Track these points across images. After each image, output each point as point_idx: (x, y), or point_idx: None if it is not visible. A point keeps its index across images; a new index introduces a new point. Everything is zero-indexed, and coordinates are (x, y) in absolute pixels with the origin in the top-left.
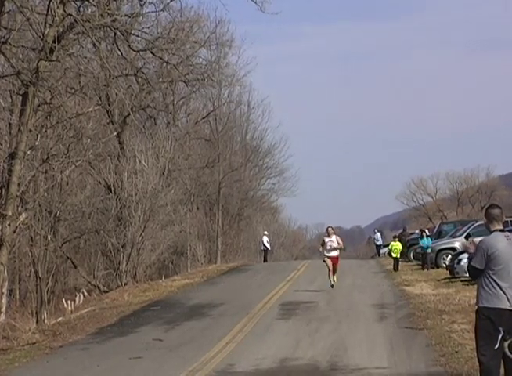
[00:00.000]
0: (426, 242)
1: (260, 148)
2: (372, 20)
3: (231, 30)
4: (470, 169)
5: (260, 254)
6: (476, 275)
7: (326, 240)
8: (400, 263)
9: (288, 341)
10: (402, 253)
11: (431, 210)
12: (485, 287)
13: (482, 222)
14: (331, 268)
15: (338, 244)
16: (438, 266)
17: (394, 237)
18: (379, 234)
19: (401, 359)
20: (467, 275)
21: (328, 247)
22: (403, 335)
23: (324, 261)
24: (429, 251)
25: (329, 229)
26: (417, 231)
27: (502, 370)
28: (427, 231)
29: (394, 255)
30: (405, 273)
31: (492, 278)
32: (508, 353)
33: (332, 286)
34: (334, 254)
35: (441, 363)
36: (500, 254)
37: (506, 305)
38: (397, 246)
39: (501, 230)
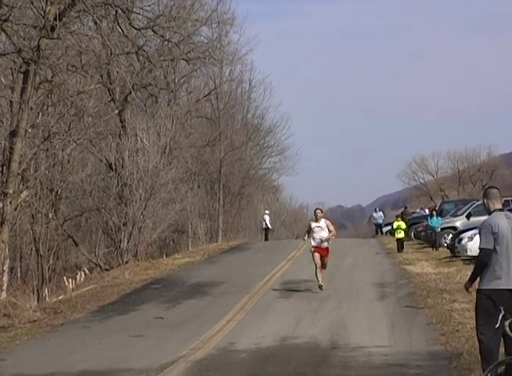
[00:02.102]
0: (435, 222)
1: (261, 127)
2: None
3: (232, 8)
4: (471, 148)
5: (261, 232)
6: (488, 258)
7: (313, 225)
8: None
9: (289, 320)
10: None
11: (432, 189)
12: (488, 268)
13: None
14: (319, 263)
15: (329, 231)
16: (439, 245)
17: (398, 217)
18: (380, 213)
19: (401, 337)
20: (469, 254)
21: (316, 236)
22: (404, 314)
23: (311, 253)
24: (439, 230)
25: (318, 211)
26: (418, 210)
27: (502, 350)
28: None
29: (398, 236)
30: (405, 252)
31: (494, 258)
32: (508, 332)
33: (320, 287)
34: (323, 244)
35: (441, 341)
36: (502, 233)
37: (506, 285)
38: (401, 225)
39: (500, 210)
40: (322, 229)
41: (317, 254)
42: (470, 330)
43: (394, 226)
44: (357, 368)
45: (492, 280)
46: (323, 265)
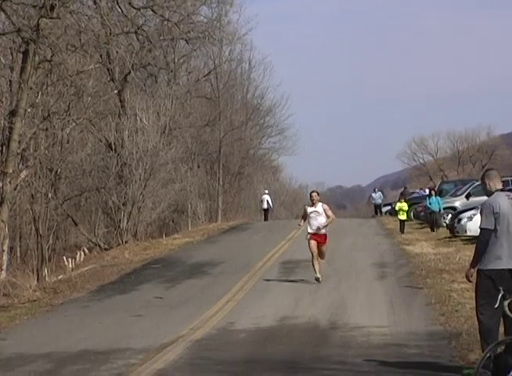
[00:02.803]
0: (435, 202)
1: (261, 107)
2: None
3: None
4: (471, 128)
5: (260, 212)
6: (488, 238)
7: (310, 210)
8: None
9: (288, 300)
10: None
11: (432, 169)
12: (488, 248)
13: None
14: (316, 251)
15: (327, 216)
16: (438, 226)
17: (401, 198)
18: (379, 193)
19: (401, 317)
20: (469, 234)
21: (312, 222)
22: (403, 294)
23: (307, 240)
24: (438, 211)
25: (314, 194)
26: (417, 190)
27: (501, 330)
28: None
29: (401, 217)
30: (405, 232)
31: (494, 238)
32: (508, 312)
33: (317, 279)
34: (321, 230)
35: (440, 321)
36: (503, 213)
37: (507, 265)
38: (403, 207)
39: (502, 190)
40: (319, 215)
41: (313, 242)
42: (469, 310)
43: (397, 208)
44: (356, 348)
45: (493, 260)
46: (321, 255)
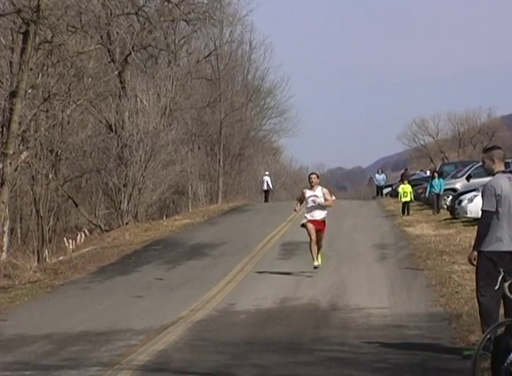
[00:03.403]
0: (438, 183)
1: (261, 88)
2: None
3: None
4: (471, 110)
5: (261, 194)
6: (490, 220)
7: (308, 194)
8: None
9: (288, 282)
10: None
11: (433, 151)
12: (489, 230)
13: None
14: (314, 238)
15: (325, 200)
16: (439, 209)
17: (403, 180)
18: (383, 175)
19: (401, 299)
20: (469, 216)
21: (310, 205)
22: (403, 276)
23: (303, 226)
24: (441, 193)
25: (313, 176)
26: (418, 171)
27: (502, 311)
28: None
29: (404, 199)
30: (408, 214)
31: (496, 220)
32: (508, 294)
33: (316, 267)
34: (320, 215)
35: (441, 303)
36: (504, 195)
37: (508, 247)
38: (407, 189)
39: (503, 172)
40: (317, 198)
41: (311, 225)
42: (469, 291)
43: (400, 190)
44: (356, 329)
45: (494, 241)
46: (318, 243)
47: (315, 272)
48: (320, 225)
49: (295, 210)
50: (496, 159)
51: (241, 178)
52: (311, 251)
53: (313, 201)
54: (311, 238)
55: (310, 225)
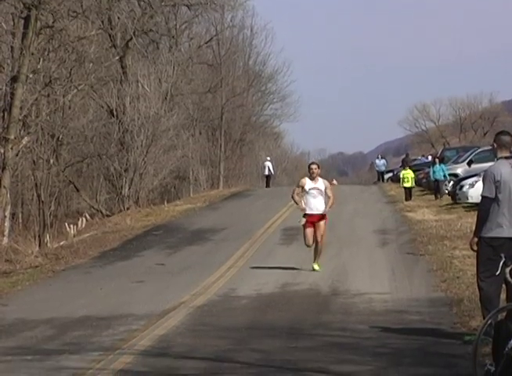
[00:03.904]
0: (439, 170)
1: (262, 73)
2: None
3: None
4: (473, 95)
5: (262, 179)
6: (489, 206)
7: (309, 186)
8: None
9: (290, 266)
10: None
11: (434, 136)
12: (489, 216)
13: (486, 148)
14: (310, 238)
15: (327, 196)
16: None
17: (404, 165)
18: (383, 161)
19: (402, 284)
20: (470, 201)
21: (311, 200)
22: (404, 261)
23: (302, 224)
24: (443, 179)
25: (314, 167)
26: (419, 157)
27: (503, 296)
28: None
29: (406, 185)
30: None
31: (496, 206)
32: (509, 279)
33: (314, 269)
34: (319, 209)
35: (442, 288)
36: (504, 181)
37: (508, 233)
38: (408, 174)
39: (506, 158)
40: (320, 193)
41: (310, 231)
42: (470, 276)
43: (401, 175)
44: (357, 314)
45: (494, 228)
46: (317, 240)
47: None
48: (319, 220)
49: (292, 198)
50: (499, 144)
51: (242, 164)
52: (307, 244)
53: (317, 207)
54: (305, 237)
55: (308, 231)
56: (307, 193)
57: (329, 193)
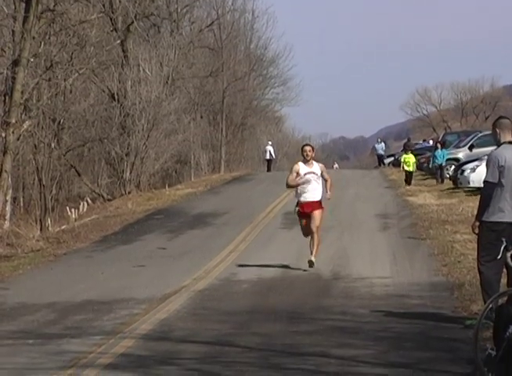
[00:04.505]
0: (440, 154)
1: (264, 57)
2: None
3: None
4: (474, 79)
5: (263, 163)
6: (491, 191)
7: (304, 170)
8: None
9: (290, 251)
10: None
11: (435, 120)
12: (491, 201)
13: (487, 133)
14: (305, 229)
15: (324, 180)
16: (442, 180)
17: (406, 150)
18: (382, 144)
19: (403, 268)
20: (472, 185)
21: (307, 186)
22: (406, 245)
23: (296, 213)
24: (444, 164)
25: (308, 149)
26: (421, 141)
27: (504, 281)
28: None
29: (407, 168)
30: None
31: (499, 191)
32: (510, 263)
33: (311, 264)
34: (314, 196)
35: (443, 272)
36: (508, 166)
37: (510, 218)
38: (409, 158)
39: (510, 142)
40: (316, 178)
41: (304, 221)
42: (471, 261)
43: (402, 159)
44: (359, 299)
45: (496, 212)
46: (313, 230)
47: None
48: (314, 208)
49: (288, 184)
50: (501, 129)
51: (243, 148)
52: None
53: (313, 193)
54: (302, 227)
55: (303, 221)
56: (302, 178)
57: (326, 176)
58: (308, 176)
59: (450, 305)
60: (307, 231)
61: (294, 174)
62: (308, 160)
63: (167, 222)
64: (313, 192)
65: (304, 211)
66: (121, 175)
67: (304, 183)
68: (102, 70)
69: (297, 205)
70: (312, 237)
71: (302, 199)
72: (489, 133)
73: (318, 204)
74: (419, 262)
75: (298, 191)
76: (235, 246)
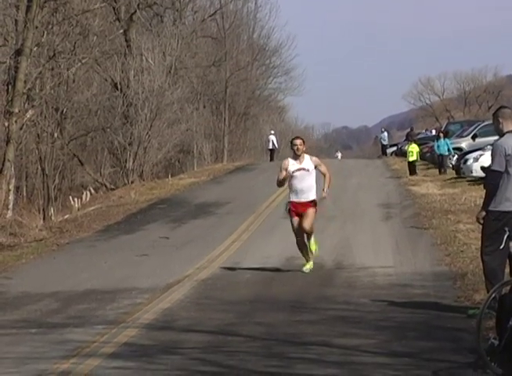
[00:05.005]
0: (443, 144)
1: (267, 47)
2: None
3: None
4: (477, 69)
5: (266, 153)
6: (498, 180)
7: (293, 167)
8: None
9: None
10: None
11: (438, 110)
12: (498, 190)
13: (490, 122)
14: (297, 231)
15: (322, 174)
16: (444, 170)
17: (410, 140)
18: (385, 134)
19: (406, 258)
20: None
21: (297, 185)
22: (408, 235)
23: (287, 211)
24: (447, 153)
25: (298, 142)
26: (424, 131)
27: (507, 270)
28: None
29: (411, 159)
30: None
31: (505, 180)
32: None
33: (305, 269)
34: (308, 196)
35: (446, 262)
36: None
37: None
38: (413, 148)
39: None
40: (308, 174)
41: (296, 220)
42: (474, 250)
43: (407, 149)
44: (361, 288)
45: (502, 201)
46: (306, 230)
47: (321, 230)
48: (307, 209)
49: (279, 179)
50: (504, 119)
51: (246, 137)
52: (299, 249)
53: (306, 191)
54: (296, 236)
55: (295, 221)
56: (292, 176)
57: (324, 170)
58: (297, 174)
59: (453, 295)
60: (300, 231)
61: (284, 172)
62: (299, 155)
63: (170, 211)
64: (306, 191)
65: (295, 211)
66: (124, 164)
67: (288, 179)
68: (105, 59)
69: (288, 203)
70: (308, 238)
71: (294, 198)
72: (492, 123)
73: (310, 204)
74: (421, 252)
75: (291, 189)
76: (238, 235)
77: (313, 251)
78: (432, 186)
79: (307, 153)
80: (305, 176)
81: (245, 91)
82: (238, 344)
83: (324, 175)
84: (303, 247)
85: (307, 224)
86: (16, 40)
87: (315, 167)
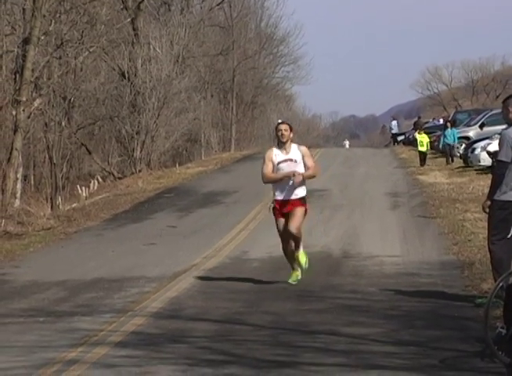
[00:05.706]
0: (450, 134)
1: (274, 35)
2: None
3: None
4: (485, 58)
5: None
6: (504, 170)
7: (278, 157)
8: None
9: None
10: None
11: (446, 99)
12: (504, 180)
13: (498, 111)
14: (283, 233)
15: (306, 167)
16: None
17: (418, 129)
18: (395, 122)
19: (413, 247)
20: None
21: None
22: (416, 224)
23: (272, 211)
24: (454, 143)
25: (283, 127)
26: (431, 120)
27: None
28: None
29: (421, 149)
30: (418, 162)
31: (511, 170)
32: None
33: (297, 273)
34: (295, 193)
35: (453, 251)
36: None
37: None
38: (424, 138)
39: None
40: (295, 166)
41: (282, 220)
42: (482, 239)
43: (417, 138)
44: (368, 277)
45: (508, 191)
46: (292, 236)
47: (327, 219)
48: (294, 209)
49: (265, 175)
50: None
51: (254, 126)
52: (285, 256)
53: (291, 185)
54: (281, 239)
55: (280, 221)
56: (277, 168)
57: (309, 162)
58: (283, 166)
59: (460, 284)
60: (285, 234)
61: (270, 164)
62: (285, 143)
63: (177, 200)
64: (292, 187)
65: (280, 211)
66: (132, 153)
67: (284, 178)
68: (112, 48)
69: (273, 202)
70: (295, 247)
71: (279, 196)
72: (500, 112)
73: (299, 202)
74: (429, 241)
75: (275, 184)
76: (245, 224)
77: (302, 264)
78: (440, 175)
79: (293, 141)
80: (292, 168)
81: (252, 80)
82: (245, 333)
83: (309, 168)
84: (290, 254)
85: (293, 226)
86: (23, 29)
87: (302, 157)
